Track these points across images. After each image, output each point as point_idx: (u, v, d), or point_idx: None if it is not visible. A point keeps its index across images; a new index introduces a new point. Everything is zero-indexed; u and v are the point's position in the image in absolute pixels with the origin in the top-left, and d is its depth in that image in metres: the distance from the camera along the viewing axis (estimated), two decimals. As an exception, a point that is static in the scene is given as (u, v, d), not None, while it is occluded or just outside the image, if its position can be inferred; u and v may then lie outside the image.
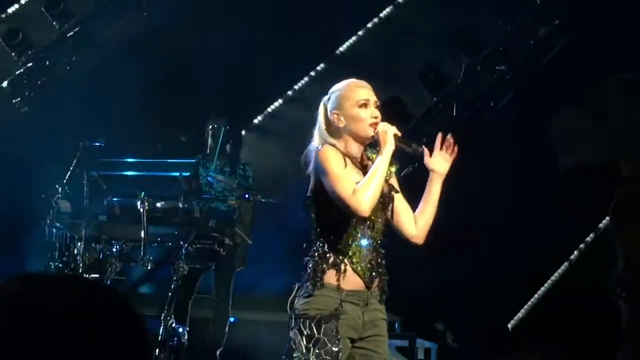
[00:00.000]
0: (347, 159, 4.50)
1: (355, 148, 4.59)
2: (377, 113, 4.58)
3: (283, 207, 7.77)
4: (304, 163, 4.62)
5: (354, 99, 4.55)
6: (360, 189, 4.35)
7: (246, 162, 8.35)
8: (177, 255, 7.03)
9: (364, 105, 4.55)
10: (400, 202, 4.67)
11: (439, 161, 4.66)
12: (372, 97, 4.60)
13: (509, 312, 10.43)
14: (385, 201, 4.54)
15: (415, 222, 4.67)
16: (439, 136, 4.70)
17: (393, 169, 4.65)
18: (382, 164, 4.44)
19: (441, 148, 4.67)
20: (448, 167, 4.68)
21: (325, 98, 4.66)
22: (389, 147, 4.47)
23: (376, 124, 4.55)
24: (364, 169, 4.57)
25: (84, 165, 7.37)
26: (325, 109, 4.62)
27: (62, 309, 1.48)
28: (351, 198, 4.34)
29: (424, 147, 4.66)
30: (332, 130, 4.58)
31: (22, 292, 1.51)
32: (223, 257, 7.64)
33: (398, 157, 4.61)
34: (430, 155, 4.65)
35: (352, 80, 4.68)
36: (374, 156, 4.57)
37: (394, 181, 4.64)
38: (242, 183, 7.72)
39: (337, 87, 4.65)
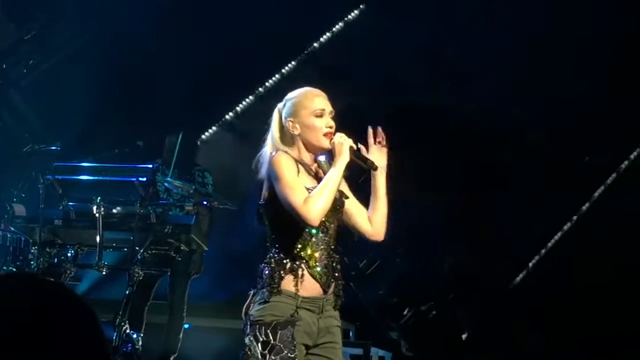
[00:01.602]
0: (300, 166, 4.52)
1: (308, 156, 4.61)
2: (332, 123, 4.60)
3: (240, 213, 7.77)
4: (255, 169, 4.63)
5: (310, 107, 4.57)
6: (311, 199, 4.36)
7: (205, 168, 8.34)
8: (133, 261, 6.99)
9: (320, 114, 4.58)
10: (353, 204, 4.71)
11: (376, 155, 4.69)
12: (328, 107, 4.61)
13: (463, 320, 10.50)
14: (336, 206, 4.57)
15: (370, 220, 4.71)
16: (370, 131, 4.72)
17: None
18: (334, 175, 4.45)
19: (374, 142, 4.72)
20: (386, 160, 4.73)
21: (280, 105, 4.67)
22: (343, 159, 4.49)
23: (331, 133, 4.58)
24: (317, 177, 4.60)
25: (39, 169, 7.31)
26: (280, 116, 4.64)
27: (26, 305, 1.49)
28: (302, 207, 4.34)
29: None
30: (286, 137, 4.59)
31: None
32: (179, 263, 7.62)
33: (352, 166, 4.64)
34: (367, 151, 4.69)
35: (308, 88, 4.70)
36: (326, 166, 4.60)
37: (344, 186, 4.67)
38: (200, 190, 7.70)
39: (293, 95, 4.66)
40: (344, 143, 4.52)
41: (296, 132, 4.56)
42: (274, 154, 4.51)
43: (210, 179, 8.24)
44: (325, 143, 4.57)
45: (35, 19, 10.22)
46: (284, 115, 4.61)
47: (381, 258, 10.46)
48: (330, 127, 4.58)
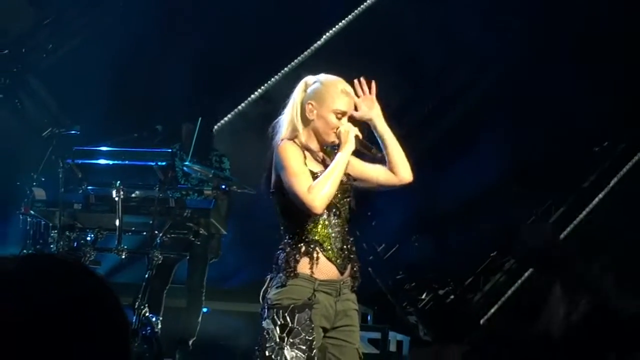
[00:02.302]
0: (306, 152, 4.55)
1: (315, 142, 4.63)
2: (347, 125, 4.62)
3: (258, 197, 7.79)
4: (270, 134, 4.67)
5: (334, 104, 4.57)
6: (315, 187, 4.38)
7: (222, 153, 8.36)
8: (152, 245, 7.02)
9: (340, 116, 4.58)
10: (366, 170, 4.73)
11: (368, 106, 4.69)
12: (350, 109, 4.62)
13: (482, 305, 10.50)
14: (345, 189, 4.59)
15: (392, 170, 4.70)
16: (356, 83, 4.70)
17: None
18: (340, 163, 4.48)
19: (364, 93, 4.71)
20: (378, 106, 4.71)
21: (310, 80, 4.65)
22: (348, 147, 4.51)
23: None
24: (323, 163, 4.62)
25: (59, 153, 7.34)
26: (305, 92, 4.63)
27: (63, 292, 1.50)
28: (306, 196, 4.37)
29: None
30: (302, 116, 4.60)
31: (20, 271, 1.53)
32: (197, 247, 7.65)
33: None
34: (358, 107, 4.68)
35: (340, 81, 4.66)
36: (332, 153, 4.61)
37: (351, 165, 4.67)
38: (219, 174, 7.72)
39: (324, 80, 4.64)
40: (350, 132, 4.54)
41: (311, 117, 4.58)
42: (279, 142, 4.53)
43: (228, 163, 8.26)
44: (333, 139, 4.59)
45: (53, 3, 10.24)
46: (307, 93, 4.60)
47: (399, 242, 10.47)
48: None
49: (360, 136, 4.60)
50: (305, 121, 4.59)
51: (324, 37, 10.62)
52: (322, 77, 4.65)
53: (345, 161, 4.49)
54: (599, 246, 9.87)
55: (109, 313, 1.54)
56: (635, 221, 9.75)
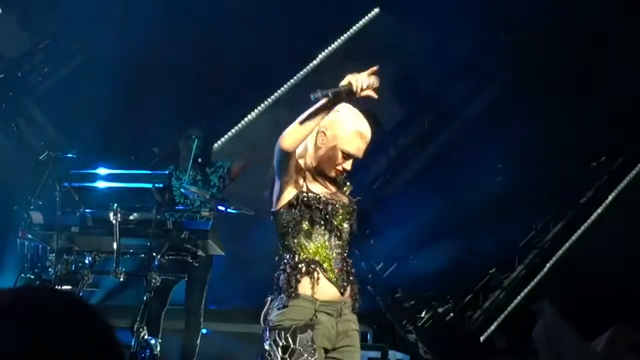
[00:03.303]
0: (307, 173, 4.54)
1: (318, 167, 4.58)
2: (349, 168, 4.57)
3: (257, 218, 7.78)
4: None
5: (345, 144, 4.50)
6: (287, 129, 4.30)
7: (223, 162, 8.39)
8: (150, 267, 6.99)
9: (347, 157, 4.54)
10: None
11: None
12: (360, 155, 4.55)
13: (482, 323, 10.48)
14: (349, 211, 4.56)
15: None
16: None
17: (347, 189, 4.69)
18: (315, 108, 4.27)
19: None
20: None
21: (339, 105, 4.42)
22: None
23: (341, 172, 4.57)
24: (325, 186, 4.58)
25: (56, 176, 7.32)
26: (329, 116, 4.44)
27: (56, 329, 1.49)
28: (278, 142, 4.28)
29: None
30: (316, 139, 4.53)
31: (17, 304, 1.52)
32: (196, 268, 7.62)
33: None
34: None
35: (360, 120, 4.53)
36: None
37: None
38: (216, 195, 7.72)
39: (346, 113, 4.51)
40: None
41: (318, 142, 4.53)
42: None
43: (229, 164, 8.30)
44: (332, 174, 4.56)
45: (48, 27, 10.26)
46: (329, 118, 4.45)
47: (398, 260, 10.46)
48: (343, 170, 4.58)
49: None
50: (315, 145, 4.55)
51: (320, 56, 10.64)
52: (346, 110, 4.53)
53: (320, 108, 4.25)
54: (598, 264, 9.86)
55: (105, 346, 1.53)
56: (633, 236, 9.74)
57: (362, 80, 4.25)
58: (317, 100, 4.26)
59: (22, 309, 1.50)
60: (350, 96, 4.30)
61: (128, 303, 8.03)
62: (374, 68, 4.32)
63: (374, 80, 4.28)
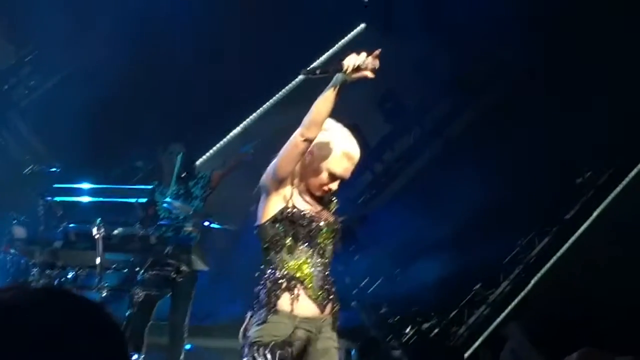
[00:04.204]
0: (294, 190, 4.52)
1: (305, 184, 4.58)
2: (335, 188, 4.56)
3: (240, 233, 7.77)
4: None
5: (333, 165, 4.49)
6: (303, 123, 4.28)
7: (203, 174, 8.37)
8: (133, 282, 6.97)
9: (333, 178, 4.52)
10: None
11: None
12: (347, 176, 4.54)
13: (467, 338, 10.47)
14: (333, 230, 4.55)
15: None
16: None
17: (334, 206, 4.68)
18: (325, 92, 4.26)
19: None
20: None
21: (328, 124, 4.43)
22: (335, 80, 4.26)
23: (326, 192, 4.55)
24: (310, 203, 4.56)
25: (39, 191, 7.30)
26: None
27: (58, 321, 1.50)
28: (298, 135, 4.27)
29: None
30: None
31: (16, 301, 1.52)
32: (179, 284, 7.60)
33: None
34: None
35: (349, 141, 4.53)
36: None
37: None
38: (200, 211, 7.71)
39: (335, 133, 4.51)
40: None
41: (306, 161, 4.50)
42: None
43: (208, 174, 8.30)
44: (318, 194, 4.55)
45: (34, 40, 10.24)
46: (319, 138, 4.42)
47: (382, 276, 10.46)
48: (329, 190, 4.56)
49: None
50: (303, 164, 4.51)
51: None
52: (336, 130, 4.53)
53: (330, 90, 4.23)
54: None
55: (105, 337, 1.54)
56: (618, 251, 9.76)
57: (354, 60, 4.21)
58: (307, 77, 4.28)
59: (24, 304, 1.51)
60: (350, 75, 4.21)
61: (111, 318, 7.96)
62: (376, 51, 4.27)
63: (370, 61, 4.24)
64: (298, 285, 4.43)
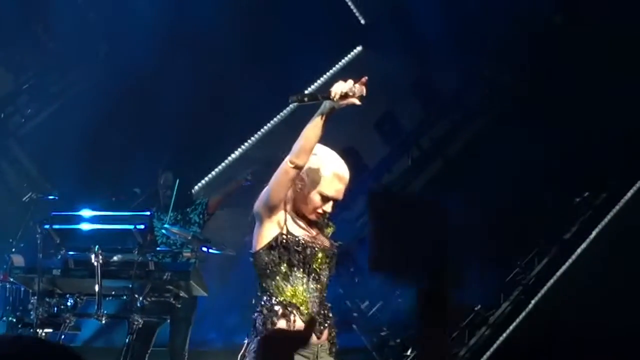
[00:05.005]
0: (288, 215, 4.50)
1: (298, 210, 4.57)
2: (330, 210, 4.56)
3: (239, 259, 7.76)
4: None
5: (324, 188, 4.49)
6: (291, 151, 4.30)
7: (202, 200, 8.38)
8: (132, 309, 6.96)
9: (326, 200, 4.53)
10: None
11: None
12: (339, 197, 4.54)
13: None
14: (329, 255, 4.54)
15: None
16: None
17: (330, 230, 4.67)
18: (314, 120, 4.28)
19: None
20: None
21: (316, 149, 4.43)
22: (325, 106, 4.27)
23: (321, 215, 4.56)
24: (304, 227, 4.55)
25: (37, 219, 7.29)
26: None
27: None
28: (286, 162, 4.30)
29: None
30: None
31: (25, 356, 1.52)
32: (178, 310, 7.59)
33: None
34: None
35: (339, 163, 4.55)
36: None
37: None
38: (198, 236, 7.69)
39: (324, 157, 4.53)
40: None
41: (297, 187, 4.51)
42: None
43: (205, 200, 8.30)
44: (312, 217, 4.55)
45: (32, 68, 10.27)
46: (308, 163, 4.44)
47: (383, 299, 10.43)
48: (324, 212, 4.56)
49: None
50: (294, 189, 4.52)
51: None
52: (324, 153, 4.55)
53: (316, 122, 4.25)
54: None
55: None
56: (617, 270, 9.75)
57: (341, 87, 4.22)
58: (296, 103, 4.29)
59: None
60: (338, 102, 4.21)
61: (111, 345, 7.98)
62: (363, 79, 4.28)
63: (358, 88, 4.24)
64: (294, 311, 4.42)
